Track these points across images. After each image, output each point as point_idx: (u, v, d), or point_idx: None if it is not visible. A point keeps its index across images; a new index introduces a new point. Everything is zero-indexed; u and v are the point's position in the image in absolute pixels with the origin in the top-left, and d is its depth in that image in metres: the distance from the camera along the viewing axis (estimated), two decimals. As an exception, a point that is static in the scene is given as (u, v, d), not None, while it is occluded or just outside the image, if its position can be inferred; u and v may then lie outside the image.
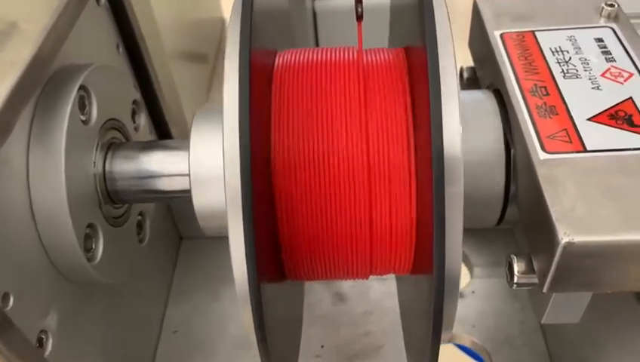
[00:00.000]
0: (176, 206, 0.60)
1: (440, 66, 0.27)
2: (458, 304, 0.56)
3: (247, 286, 0.28)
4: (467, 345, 0.53)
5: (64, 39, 0.36)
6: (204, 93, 0.80)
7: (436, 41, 0.27)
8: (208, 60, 0.85)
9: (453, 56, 0.28)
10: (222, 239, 0.64)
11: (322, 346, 0.54)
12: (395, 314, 0.55)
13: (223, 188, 0.33)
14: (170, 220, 0.60)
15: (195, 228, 0.63)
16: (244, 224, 0.27)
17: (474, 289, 0.57)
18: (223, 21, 0.95)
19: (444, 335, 0.32)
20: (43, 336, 0.35)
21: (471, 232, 0.61)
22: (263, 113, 0.32)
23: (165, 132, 0.55)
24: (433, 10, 0.27)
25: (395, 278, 0.54)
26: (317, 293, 0.58)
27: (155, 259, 0.57)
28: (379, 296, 0.58)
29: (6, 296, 0.31)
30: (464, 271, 0.60)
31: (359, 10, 0.36)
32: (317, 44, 0.85)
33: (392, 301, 0.57)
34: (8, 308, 0.31)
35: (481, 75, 0.43)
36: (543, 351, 0.52)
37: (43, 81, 0.35)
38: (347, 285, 0.59)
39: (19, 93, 0.32)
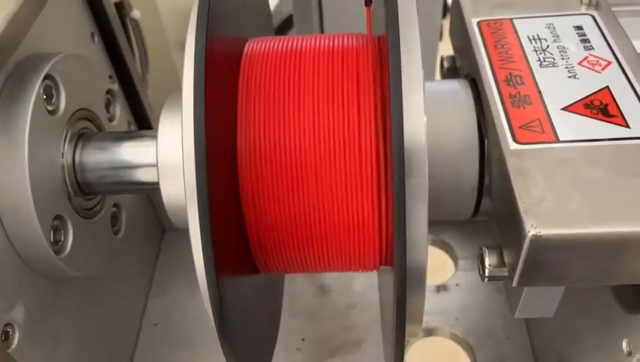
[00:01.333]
0: (158, 197, 0.59)
1: (402, 52, 0.26)
2: (442, 297, 0.56)
3: (205, 281, 0.27)
4: (448, 338, 0.52)
5: (28, 27, 0.36)
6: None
7: (398, 26, 0.26)
8: None
9: (417, 41, 0.27)
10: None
11: (303, 339, 0.53)
12: (378, 308, 0.55)
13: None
14: (151, 211, 0.60)
15: (178, 220, 0.63)
16: (199, 216, 0.26)
17: (458, 281, 0.56)
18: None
19: (412, 328, 0.31)
20: (9, 329, 0.34)
21: (456, 224, 0.60)
22: (226, 103, 0.31)
23: (146, 123, 0.55)
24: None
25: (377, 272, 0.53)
26: (300, 285, 0.57)
27: (137, 251, 0.56)
28: (362, 288, 0.57)
29: (-34, 289, 0.31)
30: (449, 264, 0.59)
31: None
32: (322, 32, 0.85)
33: (375, 294, 0.56)
34: (-32, 301, 0.31)
35: (460, 65, 0.43)
36: (525, 344, 0.51)
37: (7, 71, 0.35)
38: (331, 277, 0.58)
39: (-22, 83, 0.31)
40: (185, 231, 0.58)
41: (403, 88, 0.25)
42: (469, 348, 0.52)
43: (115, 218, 0.45)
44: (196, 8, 0.28)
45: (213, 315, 0.28)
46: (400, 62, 0.25)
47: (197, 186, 0.26)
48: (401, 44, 0.26)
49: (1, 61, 0.33)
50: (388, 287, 0.41)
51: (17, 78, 0.35)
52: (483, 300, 0.55)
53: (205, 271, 0.26)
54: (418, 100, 0.26)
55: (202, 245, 0.26)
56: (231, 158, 0.31)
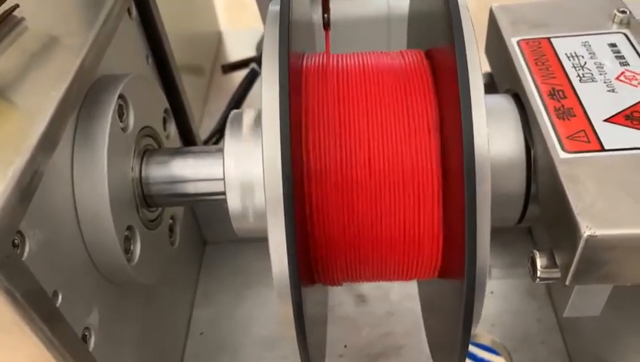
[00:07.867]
0: (201, 212, 0.61)
1: (469, 68, 0.28)
2: (477, 304, 0.57)
3: (287, 284, 0.29)
4: (487, 343, 0.54)
5: (104, 51, 0.38)
6: (200, 105, 0.81)
7: (464, 43, 0.28)
8: (205, 73, 0.86)
9: (477, 54, 0.30)
10: (244, 243, 0.66)
11: (345, 346, 0.55)
12: (415, 315, 0.57)
13: (259, 191, 0.35)
14: (195, 226, 0.62)
15: (219, 233, 0.66)
16: (286, 227, 0.28)
17: (492, 289, 0.58)
18: (219, 34, 0.97)
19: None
20: (87, 333, 0.37)
21: (488, 234, 0.62)
22: (297, 117, 0.33)
23: (190, 140, 0.57)
24: (460, 14, 0.29)
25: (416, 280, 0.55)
26: (339, 295, 0.60)
27: (182, 263, 0.59)
28: (399, 297, 0.59)
29: (55, 294, 0.33)
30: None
31: (325, 18, 0.38)
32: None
33: (411, 302, 0.59)
34: (57, 305, 0.33)
35: (499, 80, 0.45)
36: (561, 348, 0.53)
37: (85, 91, 0.37)
38: (368, 287, 0.60)
39: (66, 103, 0.33)
40: (226, 243, 0.60)
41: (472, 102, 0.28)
42: (505, 352, 0.53)
43: (171, 230, 0.47)
44: (275, 23, 0.30)
45: (295, 323, 0.30)
46: (468, 76, 0.28)
47: (284, 199, 0.28)
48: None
49: (84, 83, 0.36)
50: (434, 291, 0.44)
51: (94, 97, 0.38)
52: (517, 306, 0.57)
53: (290, 281, 0.29)
54: (482, 114, 0.29)
55: (288, 255, 0.28)
56: (300, 170, 0.34)
